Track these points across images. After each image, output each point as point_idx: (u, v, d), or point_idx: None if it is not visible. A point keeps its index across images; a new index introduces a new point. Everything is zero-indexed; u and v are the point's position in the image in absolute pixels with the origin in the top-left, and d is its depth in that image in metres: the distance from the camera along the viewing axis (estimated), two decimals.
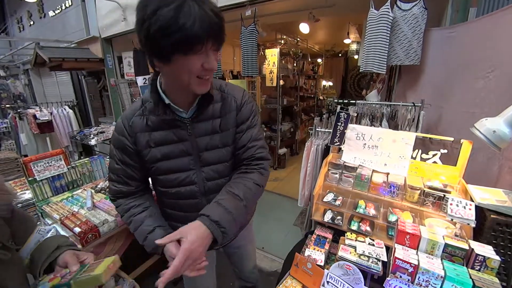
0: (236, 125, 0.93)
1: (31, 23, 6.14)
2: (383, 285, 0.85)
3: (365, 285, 0.91)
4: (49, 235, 0.89)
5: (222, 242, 0.87)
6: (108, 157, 2.41)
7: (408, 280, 0.86)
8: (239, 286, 1.51)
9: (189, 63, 0.70)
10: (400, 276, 0.87)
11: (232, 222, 0.80)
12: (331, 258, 1.14)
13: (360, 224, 1.24)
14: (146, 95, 0.90)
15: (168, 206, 1.00)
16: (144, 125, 0.87)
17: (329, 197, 1.35)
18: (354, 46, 4.29)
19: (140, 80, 2.54)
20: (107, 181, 1.92)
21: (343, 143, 1.51)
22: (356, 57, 4.17)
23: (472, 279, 0.78)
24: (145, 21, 0.65)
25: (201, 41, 0.67)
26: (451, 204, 1.02)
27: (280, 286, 0.97)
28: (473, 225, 0.97)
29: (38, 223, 0.94)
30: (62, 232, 1.44)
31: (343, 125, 1.60)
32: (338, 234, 1.23)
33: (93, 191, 1.85)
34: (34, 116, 4.17)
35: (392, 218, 1.20)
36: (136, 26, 0.69)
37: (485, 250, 0.86)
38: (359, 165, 1.38)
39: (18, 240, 0.80)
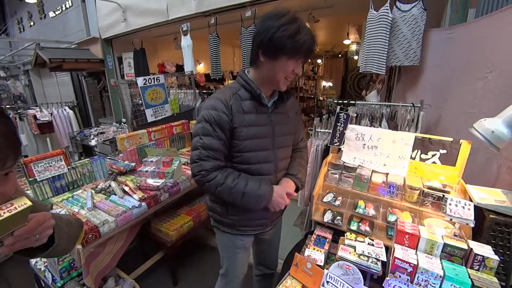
0: (296, 122, 1.26)
1: (31, 23, 6.15)
2: (383, 284, 0.85)
3: (364, 285, 0.91)
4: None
5: (301, 188, 1.25)
6: (108, 157, 2.42)
7: (407, 279, 0.86)
8: (257, 274, 1.60)
9: (287, 65, 0.98)
10: (400, 276, 0.88)
11: (304, 176, 1.26)
12: (330, 258, 1.14)
13: (360, 224, 1.25)
14: (235, 85, 1.11)
15: None
16: (240, 108, 1.05)
17: (328, 197, 1.35)
18: (353, 47, 4.30)
19: (140, 81, 2.54)
20: (107, 181, 1.94)
21: (343, 144, 1.52)
22: (356, 57, 4.18)
23: (471, 279, 0.79)
24: (272, 28, 0.92)
25: (302, 54, 0.97)
26: (450, 204, 1.02)
27: (280, 286, 0.97)
28: (472, 225, 0.98)
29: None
30: None
31: (342, 125, 1.60)
32: (337, 234, 1.24)
33: (93, 191, 1.85)
34: (34, 117, 4.18)
35: (392, 218, 1.20)
36: (260, 29, 0.97)
37: (484, 250, 0.86)
38: (359, 165, 1.38)
39: None
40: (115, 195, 1.81)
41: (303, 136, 1.35)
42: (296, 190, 1.20)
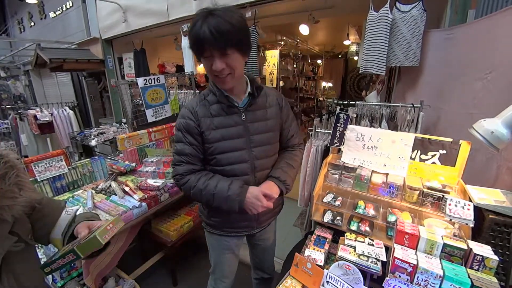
0: (279, 118, 1.19)
1: (32, 24, 6.16)
2: (383, 284, 0.85)
3: (364, 285, 0.92)
4: (77, 213, 0.92)
5: (286, 192, 1.17)
6: (109, 157, 2.42)
7: (407, 279, 0.87)
8: (256, 278, 1.59)
9: (205, 64, 0.98)
10: (399, 276, 0.88)
11: (289, 179, 1.17)
12: (330, 258, 1.15)
13: (360, 224, 1.25)
14: (206, 91, 1.13)
15: None
16: (207, 112, 1.08)
17: (328, 197, 1.35)
18: (353, 47, 4.30)
19: (140, 81, 2.54)
20: (107, 181, 1.94)
21: (343, 144, 1.52)
22: (355, 58, 4.18)
23: (471, 279, 0.79)
24: None
25: (204, 49, 0.92)
26: (449, 204, 1.02)
27: (280, 286, 0.97)
28: (472, 225, 0.98)
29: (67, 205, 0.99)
30: None
31: (342, 126, 1.61)
32: (337, 234, 1.24)
33: (93, 191, 1.85)
34: (35, 117, 4.18)
35: (391, 218, 1.20)
36: None
37: (483, 250, 0.86)
38: (359, 165, 1.39)
39: (36, 234, 0.82)
40: (116, 195, 1.81)
41: (295, 132, 1.28)
42: (281, 194, 1.16)
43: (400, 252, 0.90)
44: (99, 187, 1.90)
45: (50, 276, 1.73)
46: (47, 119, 4.26)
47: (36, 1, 5.15)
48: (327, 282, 0.89)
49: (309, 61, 6.48)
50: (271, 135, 1.17)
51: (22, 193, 0.70)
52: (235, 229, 1.24)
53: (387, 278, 0.87)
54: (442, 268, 0.83)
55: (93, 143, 3.55)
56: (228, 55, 0.93)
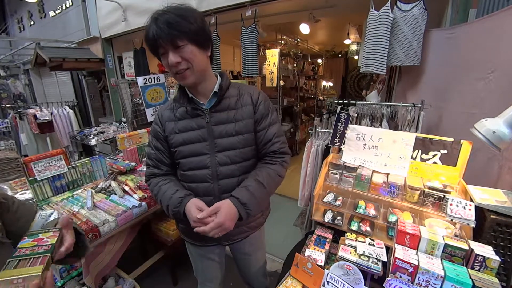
0: (253, 119, 1.05)
1: (32, 23, 6.14)
2: (383, 285, 0.85)
3: (365, 285, 0.91)
4: (51, 218, 0.87)
5: (246, 220, 1.01)
6: (109, 156, 2.42)
7: (408, 280, 0.86)
8: None
9: (164, 63, 0.94)
10: (400, 276, 0.88)
11: (256, 205, 0.99)
12: (331, 258, 1.14)
13: (360, 224, 1.25)
14: (177, 95, 1.08)
15: (187, 189, 1.09)
16: (172, 116, 1.05)
17: (329, 197, 1.35)
18: (354, 47, 4.30)
19: (140, 80, 2.54)
20: (107, 181, 1.94)
21: (343, 144, 1.51)
22: (356, 57, 4.18)
23: (472, 279, 0.79)
24: None
25: (158, 46, 0.89)
26: (451, 204, 1.02)
27: (280, 286, 0.97)
28: (473, 225, 0.97)
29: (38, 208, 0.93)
30: None
31: (343, 125, 1.60)
32: (338, 234, 1.23)
33: (93, 191, 1.85)
34: (35, 116, 4.17)
35: (392, 218, 1.20)
36: None
37: (484, 250, 0.86)
38: (359, 165, 1.38)
39: (16, 235, 0.79)
40: (115, 194, 1.81)
41: (274, 137, 1.06)
42: (241, 218, 0.96)
43: (401, 252, 0.90)
44: (99, 186, 1.90)
45: None
46: (47, 118, 4.25)
47: (36, 0, 5.13)
48: (328, 282, 0.89)
49: (310, 60, 6.46)
50: (240, 138, 1.03)
51: None
52: (204, 239, 1.04)
53: (388, 278, 0.87)
54: (443, 269, 0.83)
55: (93, 142, 3.54)
56: (181, 47, 0.88)
